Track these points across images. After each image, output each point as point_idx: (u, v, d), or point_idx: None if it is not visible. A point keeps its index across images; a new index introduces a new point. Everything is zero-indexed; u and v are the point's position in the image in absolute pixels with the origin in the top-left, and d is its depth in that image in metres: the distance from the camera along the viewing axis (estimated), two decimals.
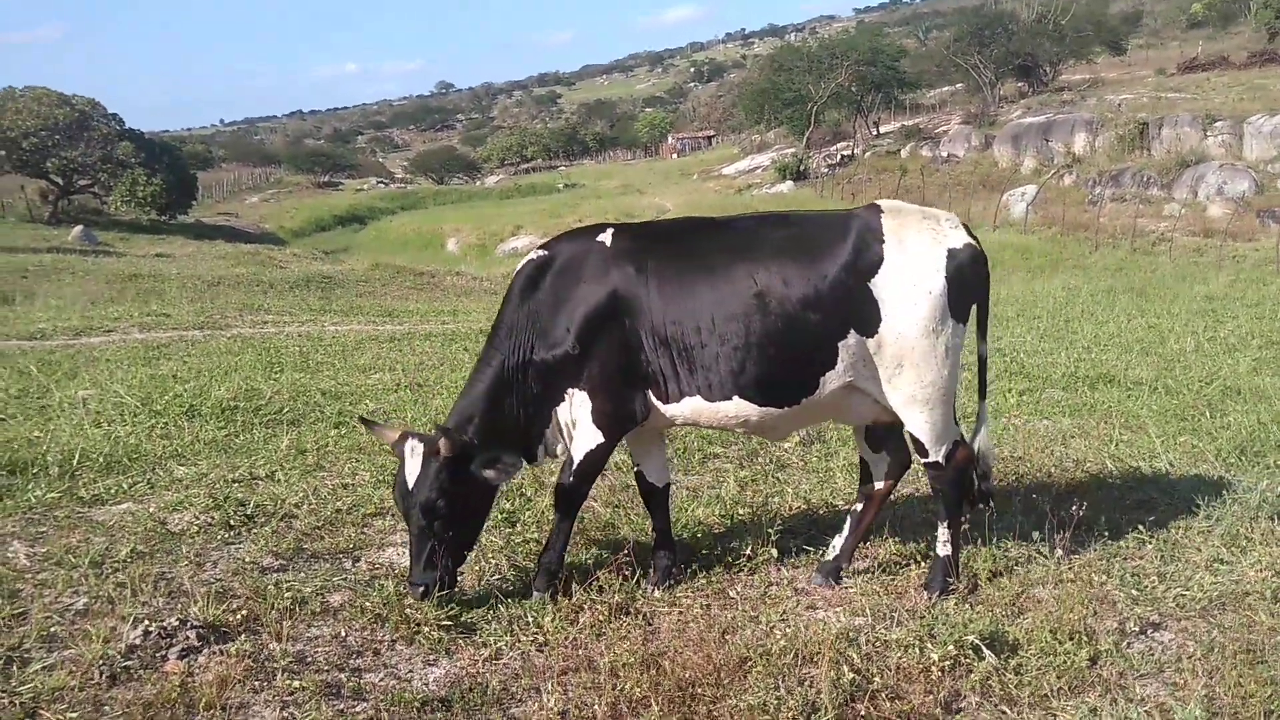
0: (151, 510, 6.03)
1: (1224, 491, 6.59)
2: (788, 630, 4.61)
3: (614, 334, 4.88)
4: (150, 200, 54.47)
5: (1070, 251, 35.90)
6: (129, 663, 4.27)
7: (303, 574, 5.30)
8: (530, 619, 4.83)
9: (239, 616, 4.68)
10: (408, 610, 4.74)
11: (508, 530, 6.06)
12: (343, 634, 4.68)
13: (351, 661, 4.47)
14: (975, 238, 5.06)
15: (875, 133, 66.93)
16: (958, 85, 69.25)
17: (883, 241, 4.89)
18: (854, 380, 4.98)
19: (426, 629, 4.65)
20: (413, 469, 4.72)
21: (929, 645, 4.45)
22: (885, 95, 68.63)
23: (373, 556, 5.64)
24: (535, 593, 5.09)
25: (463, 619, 4.83)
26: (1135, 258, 33.83)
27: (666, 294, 4.88)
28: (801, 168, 60.02)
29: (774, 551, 5.68)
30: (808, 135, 65.18)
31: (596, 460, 5.04)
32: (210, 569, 5.31)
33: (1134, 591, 5.23)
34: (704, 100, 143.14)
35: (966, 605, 5.04)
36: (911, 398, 4.96)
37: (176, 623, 4.52)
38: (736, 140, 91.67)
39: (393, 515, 6.04)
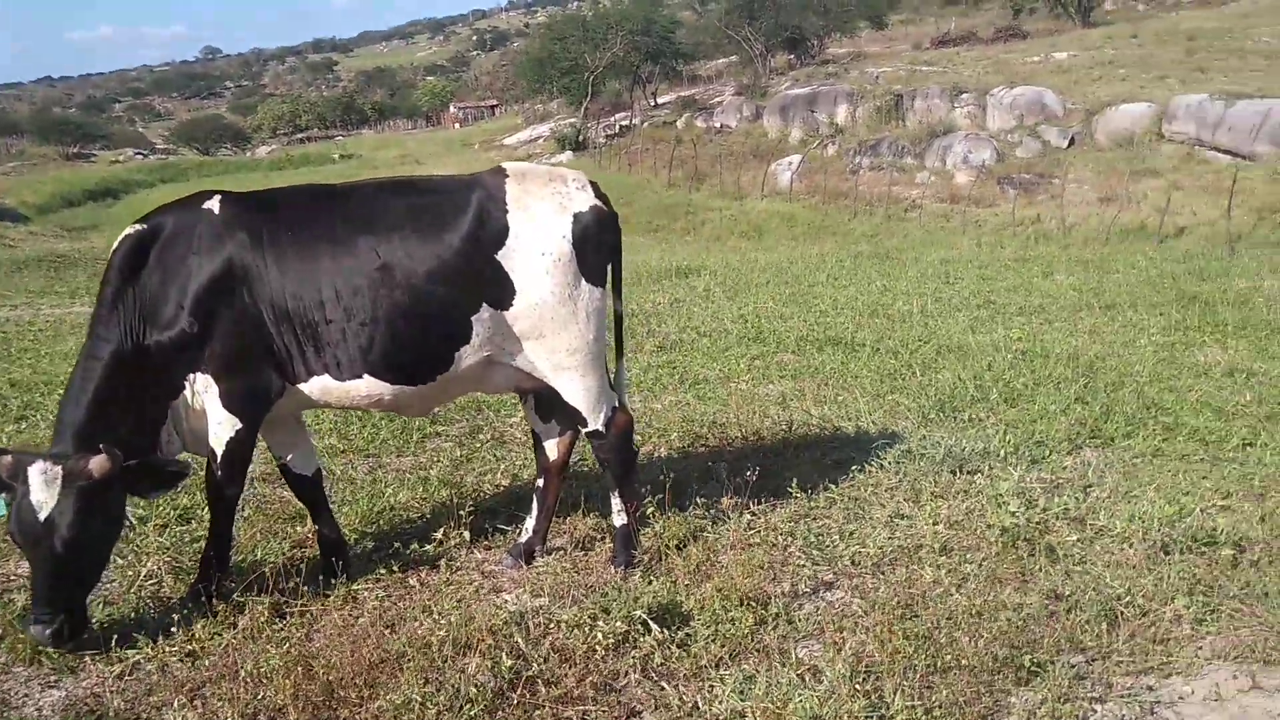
0: None
1: (915, 448, 6.86)
2: (454, 619, 4.43)
3: (234, 307, 4.48)
4: None
5: (831, 219, 37.30)
6: None
7: None
8: (178, 627, 4.46)
9: None
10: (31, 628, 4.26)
11: (180, 529, 5.63)
12: None
13: None
14: (604, 197, 4.99)
15: (653, 103, 67.56)
16: (732, 58, 70.72)
17: (506, 210, 4.74)
18: (492, 354, 4.84)
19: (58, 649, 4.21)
20: (44, 498, 4.08)
21: (600, 622, 4.38)
22: (663, 67, 69.34)
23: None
24: (189, 598, 4.72)
25: (100, 633, 4.43)
26: (889, 224, 35.48)
27: (285, 266, 4.54)
28: (580, 138, 59.92)
29: (465, 534, 5.50)
30: (585, 105, 65.13)
31: (240, 448, 4.66)
32: None
33: (815, 552, 5.34)
34: (487, 69, 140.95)
35: (651, 577, 5.01)
36: (558, 366, 4.87)
37: None
38: (520, 110, 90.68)
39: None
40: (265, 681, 3.97)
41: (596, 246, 4.85)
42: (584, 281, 4.80)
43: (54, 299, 17.22)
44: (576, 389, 4.93)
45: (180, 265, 4.46)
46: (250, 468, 5.00)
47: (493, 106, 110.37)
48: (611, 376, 5.20)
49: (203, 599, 4.66)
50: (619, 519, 5.23)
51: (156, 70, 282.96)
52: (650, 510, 5.55)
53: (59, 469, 4.10)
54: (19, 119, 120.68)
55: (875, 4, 71.43)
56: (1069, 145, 39.21)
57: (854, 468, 6.62)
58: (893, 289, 15.70)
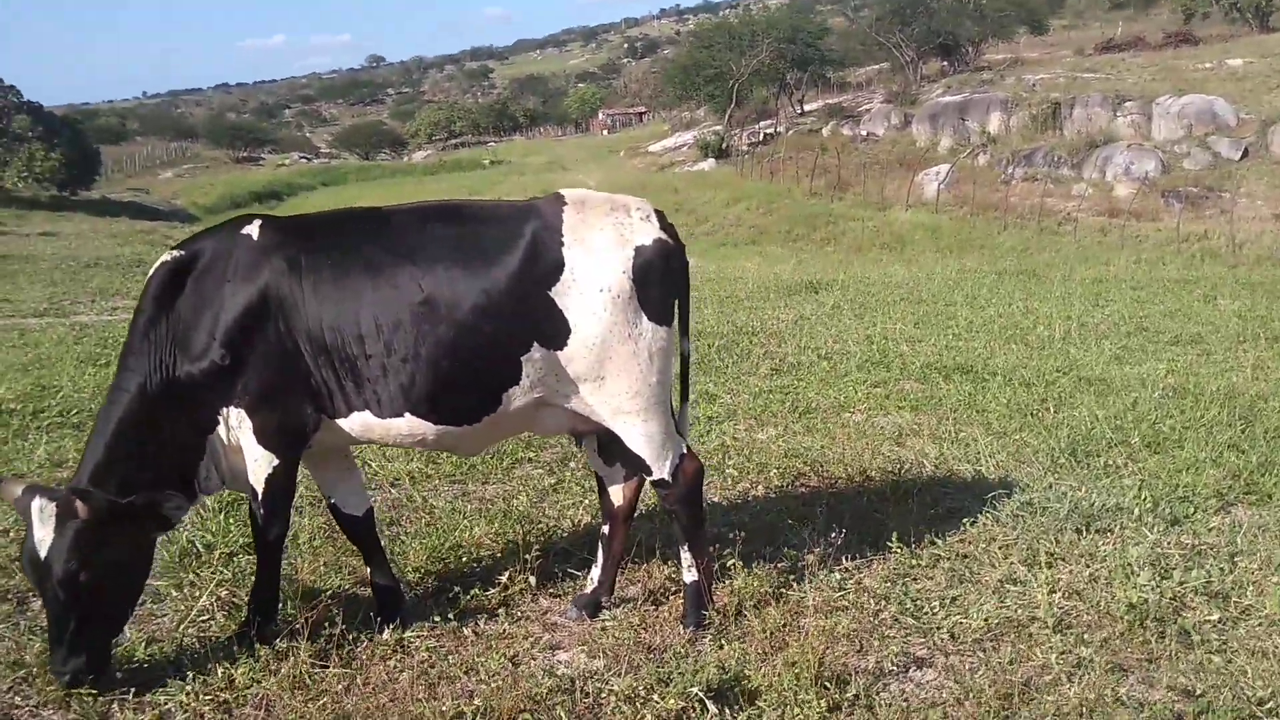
0: None
1: (1038, 499, 6.21)
2: (498, 683, 4.09)
3: (268, 338, 4.23)
4: (49, 175, 52.45)
5: (979, 232, 35.92)
6: None
7: None
8: (220, 672, 4.25)
9: None
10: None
11: (246, 559, 5.46)
12: None
13: None
14: (669, 228, 4.59)
15: (799, 111, 66.68)
16: (883, 64, 69.26)
17: (562, 243, 4.37)
18: (544, 395, 4.48)
19: (84, 690, 4.03)
20: (43, 535, 3.91)
21: (655, 696, 3.97)
22: (811, 74, 68.42)
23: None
24: (237, 641, 4.51)
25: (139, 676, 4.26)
26: (1041, 238, 33.94)
27: (323, 295, 4.25)
28: (723, 145, 59.56)
29: (531, 580, 5.15)
30: (729, 113, 64.70)
31: (280, 485, 4.41)
32: None
33: (910, 620, 4.80)
34: (636, 76, 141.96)
35: (723, 640, 4.57)
36: (618, 410, 4.48)
37: None
38: (668, 118, 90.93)
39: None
40: None
41: (661, 281, 4.46)
42: (646, 319, 4.41)
43: None
44: (638, 435, 4.54)
45: (215, 293, 4.22)
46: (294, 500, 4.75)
47: (641, 114, 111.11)
48: (676, 421, 4.80)
49: (249, 643, 4.45)
50: (689, 575, 4.81)
51: (324, 77, 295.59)
52: (731, 562, 5.12)
53: (53, 505, 3.91)
54: (195, 124, 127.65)
55: (1035, 9, 68.90)
56: (1242, 157, 36.87)
57: (966, 519, 6.01)
58: (1035, 311, 14.76)
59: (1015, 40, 67.97)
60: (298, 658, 4.28)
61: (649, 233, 4.47)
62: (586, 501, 6.46)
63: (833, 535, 5.23)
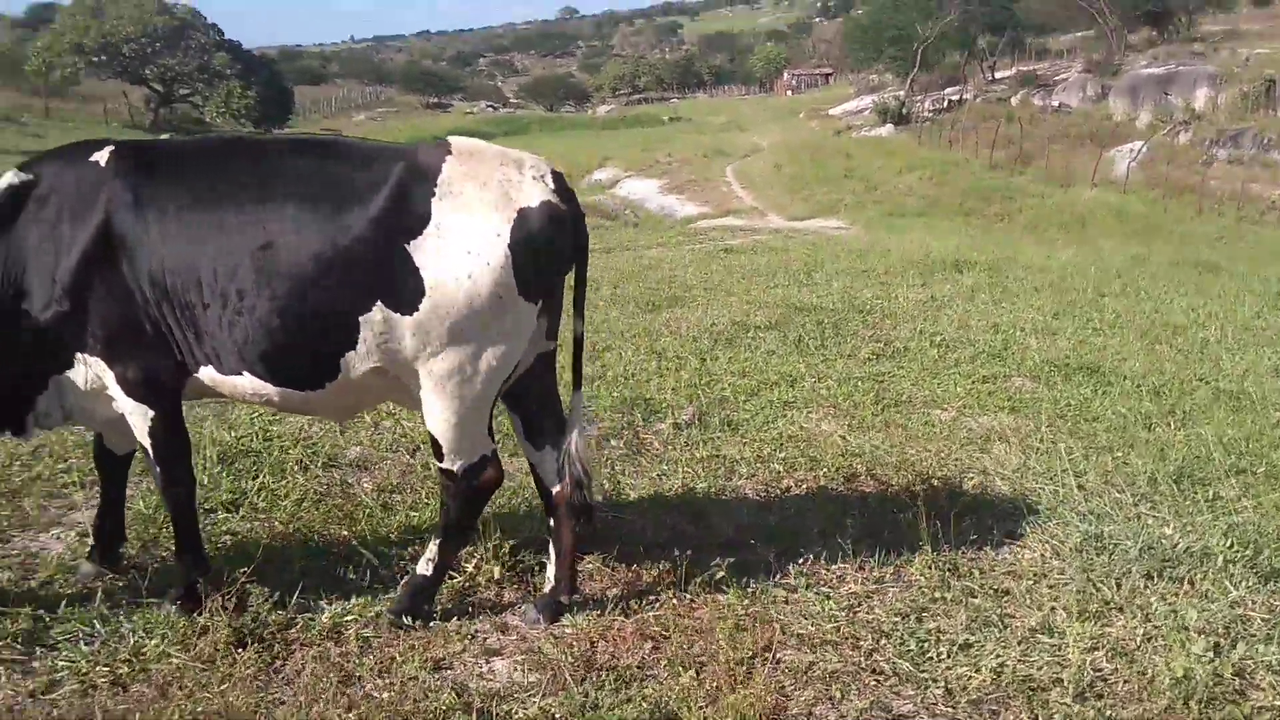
0: None
1: (1112, 531, 5.36)
2: (389, 695, 3.68)
3: (112, 283, 3.85)
4: (244, 112, 55.06)
5: (1170, 216, 33.27)
6: None
7: None
8: (131, 640, 3.99)
9: None
10: None
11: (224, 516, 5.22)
12: None
13: None
14: (566, 191, 4.09)
15: (990, 78, 63.44)
16: (1086, 32, 65.04)
17: (432, 194, 3.86)
18: (384, 365, 3.96)
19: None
20: None
21: None
22: (1009, 40, 64.98)
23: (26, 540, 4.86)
24: (165, 605, 4.25)
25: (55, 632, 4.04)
26: (1239, 227, 31.16)
27: (168, 234, 3.85)
28: (904, 111, 57.26)
29: (495, 571, 4.73)
30: (911, 77, 62.08)
31: (163, 437, 4.06)
32: None
33: (907, 665, 4.13)
34: (825, 36, 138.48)
35: (680, 668, 4.03)
36: (439, 383, 3.95)
37: None
38: (853, 80, 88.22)
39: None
40: None
41: (542, 251, 3.94)
42: (515, 292, 3.89)
43: None
44: (443, 416, 3.99)
45: (52, 231, 3.87)
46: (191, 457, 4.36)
47: (827, 75, 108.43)
48: (568, 411, 4.35)
49: (181, 604, 4.21)
50: (422, 566, 4.35)
51: (519, 28, 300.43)
52: (719, 575, 4.58)
53: None
54: (393, 69, 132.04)
55: None
56: None
57: (1019, 548, 5.26)
58: (1199, 309, 13.31)
59: (1236, 12, 62.58)
60: (216, 635, 3.99)
61: (537, 194, 3.95)
62: (600, 483, 6.00)
63: (857, 552, 4.61)
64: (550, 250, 3.99)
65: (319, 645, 4.08)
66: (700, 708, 3.69)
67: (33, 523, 5.06)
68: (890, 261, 17.31)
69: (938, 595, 4.72)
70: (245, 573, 4.25)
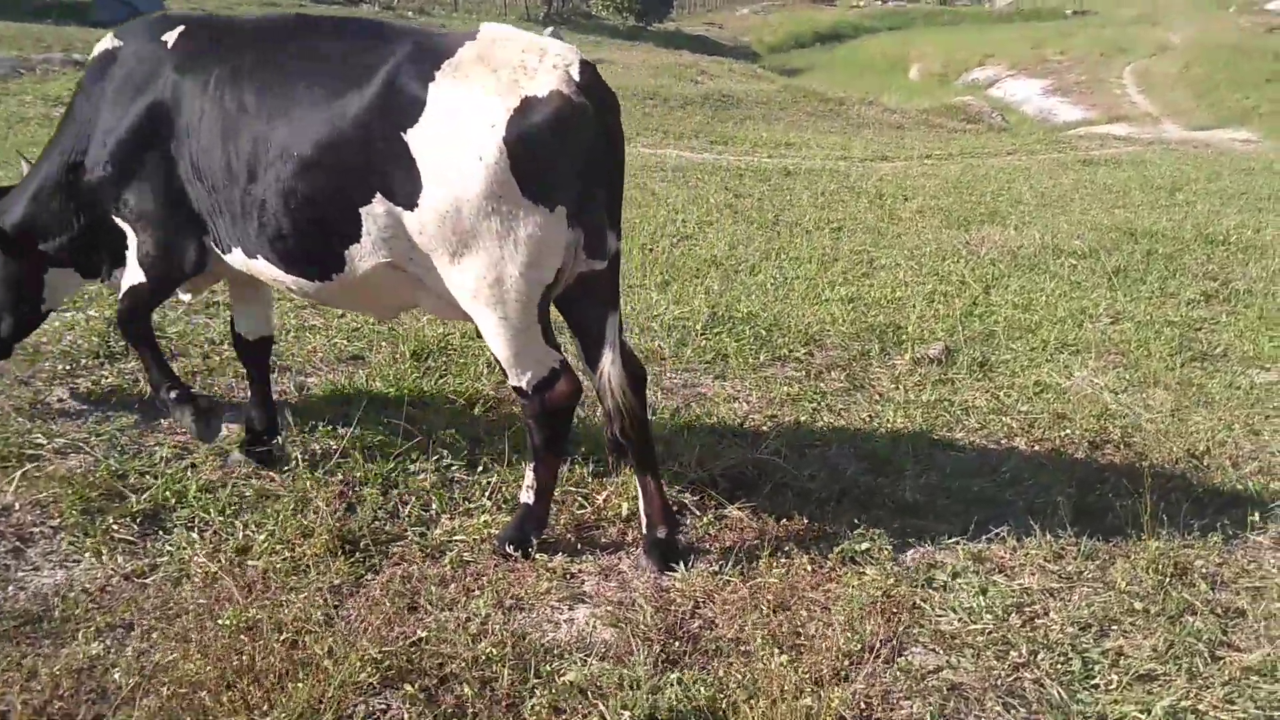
0: None
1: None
2: (453, 639, 3.47)
3: (154, 160, 3.95)
4: (627, 6, 56.37)
5: None
6: None
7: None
8: (242, 534, 4.02)
9: None
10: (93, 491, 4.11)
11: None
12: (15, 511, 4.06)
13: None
14: (599, 89, 3.54)
15: None
16: None
17: (433, 75, 3.47)
18: (394, 261, 3.70)
19: (107, 522, 3.97)
20: None
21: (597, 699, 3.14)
22: None
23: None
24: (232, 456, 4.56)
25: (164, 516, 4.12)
26: None
27: (210, 116, 3.82)
28: None
29: (623, 506, 4.38)
30: None
31: (137, 303, 4.24)
32: None
33: (1060, 692, 3.37)
34: None
35: (746, 647, 3.52)
36: (474, 296, 3.63)
37: None
38: None
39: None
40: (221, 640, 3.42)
41: (549, 149, 3.43)
42: (519, 193, 3.43)
43: (675, 139, 18.03)
44: (493, 330, 3.69)
45: (117, 98, 4.01)
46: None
47: None
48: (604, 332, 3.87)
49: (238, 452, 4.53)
50: (524, 495, 4.09)
51: None
52: (864, 546, 4.00)
53: None
54: None
55: None
56: None
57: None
58: None
59: None
60: (317, 540, 3.95)
61: (549, 83, 3.41)
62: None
63: (1057, 537, 3.86)
64: (561, 149, 3.45)
65: (414, 564, 3.95)
66: (772, 702, 3.18)
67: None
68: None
69: (1140, 606, 3.83)
70: (361, 473, 4.21)
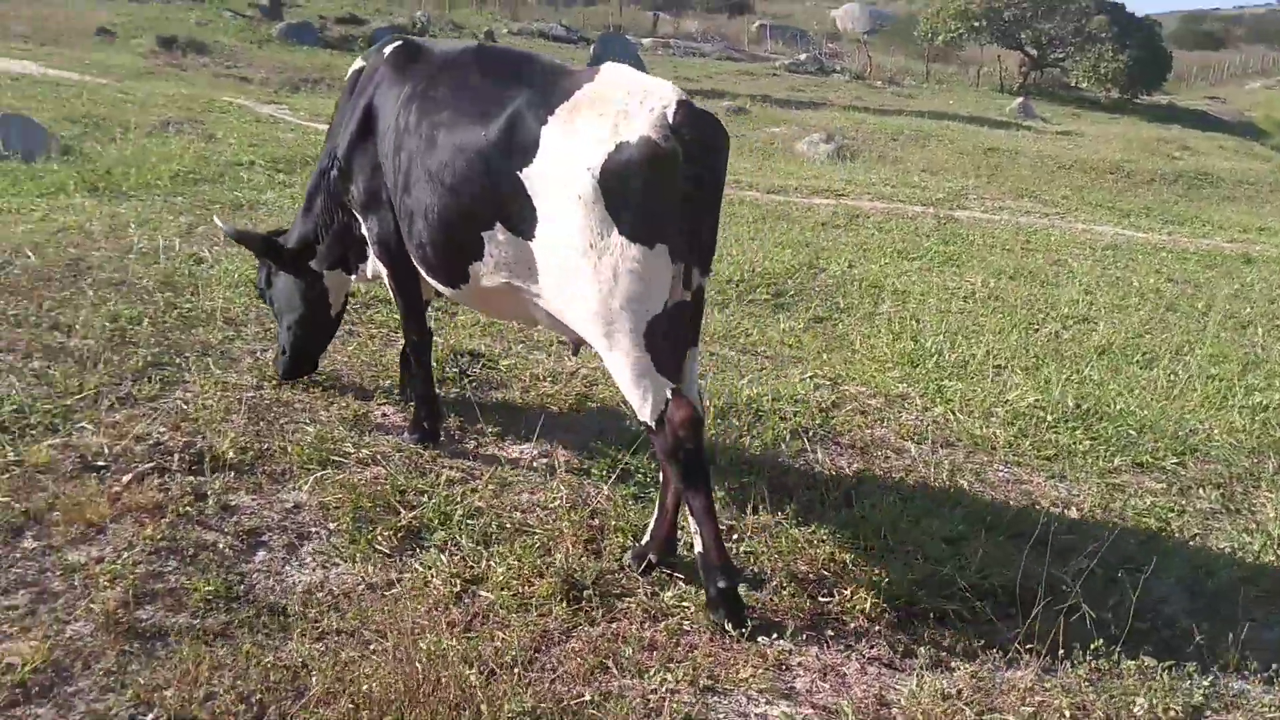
0: None
1: None
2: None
3: (368, 157, 4.58)
4: (1111, 76, 52.85)
5: None
6: None
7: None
8: (484, 563, 4.10)
9: None
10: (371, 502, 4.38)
11: None
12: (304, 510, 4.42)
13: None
14: (696, 129, 3.57)
15: None
16: None
17: (546, 119, 3.76)
18: (513, 282, 4.06)
19: (375, 532, 4.21)
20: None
21: None
22: None
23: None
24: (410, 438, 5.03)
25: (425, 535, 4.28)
26: None
27: (402, 128, 4.30)
28: None
29: (866, 602, 3.94)
30: None
31: (400, 293, 4.80)
32: None
33: None
34: None
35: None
36: (585, 328, 3.83)
37: None
38: None
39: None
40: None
41: (641, 190, 3.54)
42: (616, 233, 3.58)
43: (1095, 213, 16.51)
44: (609, 362, 3.82)
45: (352, 101, 4.68)
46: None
47: None
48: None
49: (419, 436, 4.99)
50: (696, 542, 3.85)
51: None
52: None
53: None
54: None
55: None
56: None
57: None
58: None
59: None
60: (548, 583, 3.96)
61: (641, 128, 3.53)
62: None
63: None
64: (655, 189, 3.54)
65: (632, 621, 3.80)
66: None
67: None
68: None
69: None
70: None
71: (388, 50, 4.67)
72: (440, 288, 4.47)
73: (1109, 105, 53.13)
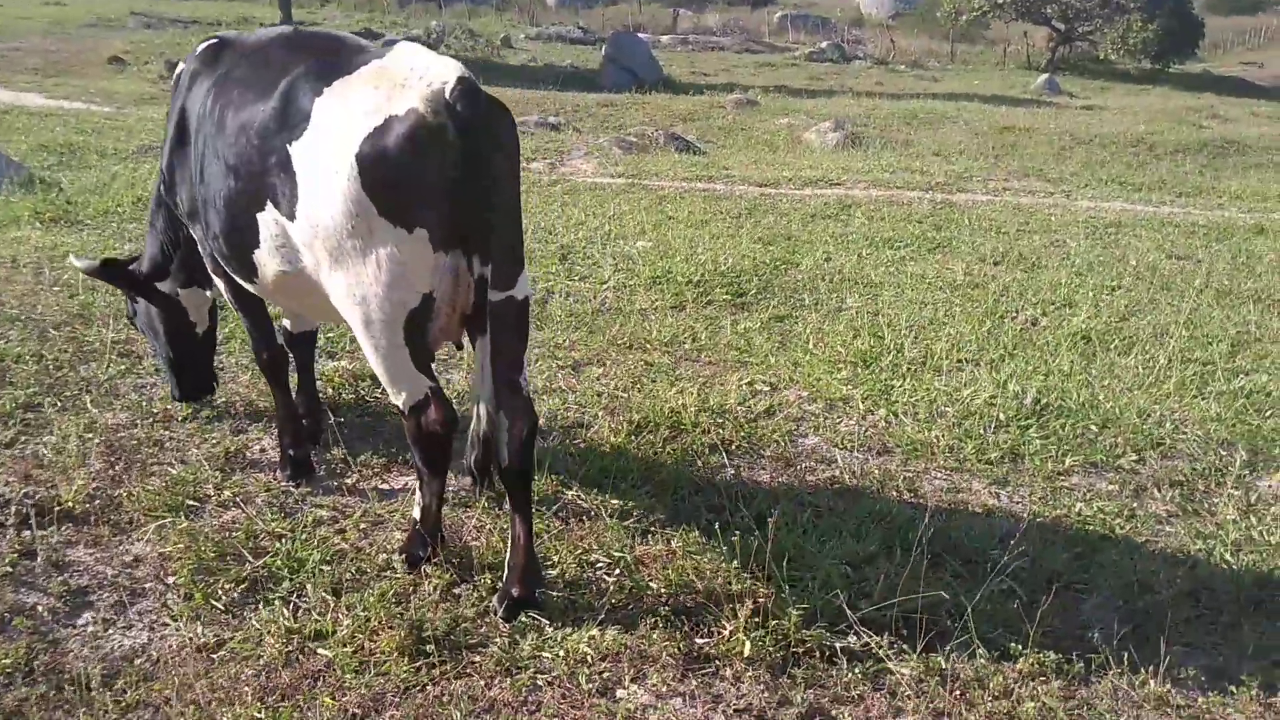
0: None
1: None
2: None
3: (187, 162, 4.14)
4: (1141, 47, 51.54)
5: None
6: None
7: None
8: (330, 615, 3.77)
9: None
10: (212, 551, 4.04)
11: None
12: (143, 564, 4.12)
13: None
14: (474, 107, 3.27)
15: None
16: None
17: (321, 91, 3.50)
18: (286, 269, 3.76)
19: (215, 587, 3.91)
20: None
21: None
22: None
23: None
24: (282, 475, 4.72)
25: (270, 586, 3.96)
26: None
27: (203, 118, 3.98)
28: None
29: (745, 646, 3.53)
30: None
31: (237, 304, 4.46)
32: None
33: None
34: None
35: None
36: (345, 311, 3.60)
37: None
38: None
39: None
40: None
41: (405, 170, 3.29)
42: (376, 214, 3.34)
43: (1134, 191, 15.83)
44: (365, 348, 3.64)
45: (170, 109, 4.33)
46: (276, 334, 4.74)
47: None
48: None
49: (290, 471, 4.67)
50: (415, 510, 4.03)
51: None
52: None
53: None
54: None
55: None
56: None
57: None
58: None
59: None
60: (390, 635, 3.60)
61: (410, 102, 3.28)
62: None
63: None
64: (417, 170, 3.28)
65: (481, 678, 3.43)
66: None
67: None
68: None
69: None
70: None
71: (200, 48, 4.36)
72: (247, 285, 4.15)
73: (1139, 76, 51.84)
